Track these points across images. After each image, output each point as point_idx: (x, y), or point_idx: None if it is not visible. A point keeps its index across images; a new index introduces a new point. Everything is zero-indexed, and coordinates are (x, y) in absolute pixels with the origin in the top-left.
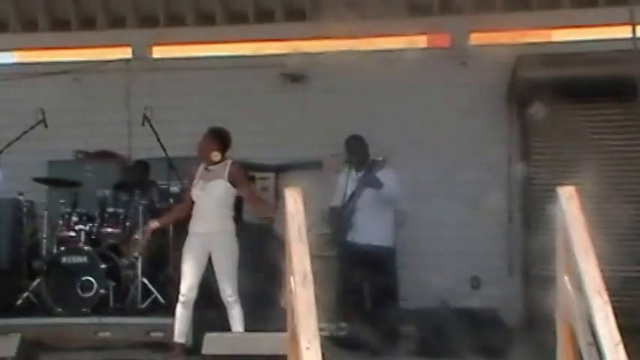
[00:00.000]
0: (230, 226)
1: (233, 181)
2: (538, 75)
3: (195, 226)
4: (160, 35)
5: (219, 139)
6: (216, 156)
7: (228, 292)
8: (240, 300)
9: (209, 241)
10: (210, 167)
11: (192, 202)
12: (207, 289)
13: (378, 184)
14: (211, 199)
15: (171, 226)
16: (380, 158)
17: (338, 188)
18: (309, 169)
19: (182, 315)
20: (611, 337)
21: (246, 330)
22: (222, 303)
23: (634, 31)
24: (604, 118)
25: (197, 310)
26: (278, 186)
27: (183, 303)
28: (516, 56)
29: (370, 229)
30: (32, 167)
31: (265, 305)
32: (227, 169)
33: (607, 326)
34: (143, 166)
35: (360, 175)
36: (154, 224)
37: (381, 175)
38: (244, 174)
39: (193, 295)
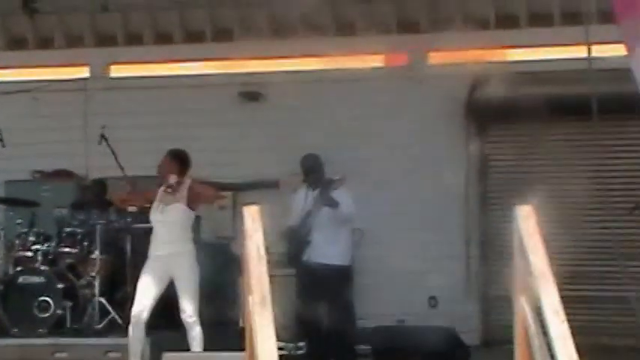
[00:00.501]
0: (190, 247)
1: (192, 199)
2: (495, 94)
3: (156, 250)
4: (117, 54)
5: (179, 160)
6: (172, 178)
7: (189, 312)
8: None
9: (170, 263)
10: (169, 189)
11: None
12: (167, 309)
13: (334, 204)
14: (171, 223)
15: (128, 247)
16: (337, 177)
17: (295, 207)
18: (267, 188)
19: (133, 335)
20: (569, 357)
21: (204, 350)
22: (182, 323)
23: (589, 51)
24: (562, 136)
25: (156, 330)
26: (236, 205)
27: (134, 324)
28: (474, 75)
29: (326, 248)
30: None
31: (224, 325)
32: (186, 191)
33: (565, 347)
34: (100, 185)
35: (316, 193)
36: None
37: (336, 194)
38: (200, 183)
39: (145, 316)
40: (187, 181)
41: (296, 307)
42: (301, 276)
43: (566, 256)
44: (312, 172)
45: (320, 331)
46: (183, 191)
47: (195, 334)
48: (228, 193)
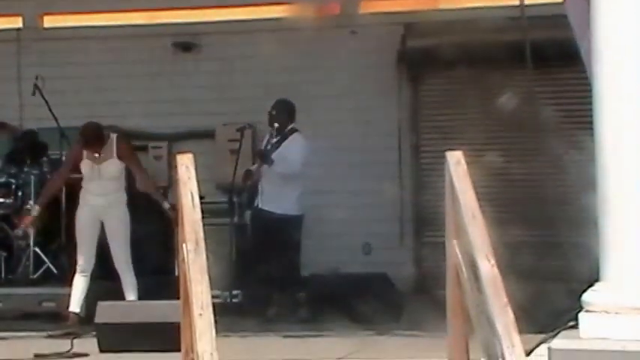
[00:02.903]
0: (122, 197)
1: (121, 156)
2: (426, 43)
3: (88, 198)
4: (50, 4)
5: (98, 139)
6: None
7: (122, 260)
8: (133, 269)
9: (101, 212)
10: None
11: (69, 172)
12: (102, 258)
13: (268, 160)
14: (104, 178)
15: (63, 196)
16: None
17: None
18: (202, 138)
19: (79, 285)
20: (499, 298)
21: (140, 299)
22: (116, 273)
23: None
24: (493, 84)
25: (90, 280)
26: (171, 155)
27: (80, 273)
28: (405, 24)
29: (274, 197)
30: None
31: (160, 275)
32: (114, 145)
33: (494, 287)
34: (32, 135)
35: (277, 138)
36: (34, 212)
37: (287, 143)
38: (131, 148)
39: (91, 265)
40: (113, 137)
41: (233, 256)
42: (252, 221)
43: (497, 202)
44: (275, 117)
45: (259, 279)
46: (111, 147)
47: (129, 281)
48: (163, 143)
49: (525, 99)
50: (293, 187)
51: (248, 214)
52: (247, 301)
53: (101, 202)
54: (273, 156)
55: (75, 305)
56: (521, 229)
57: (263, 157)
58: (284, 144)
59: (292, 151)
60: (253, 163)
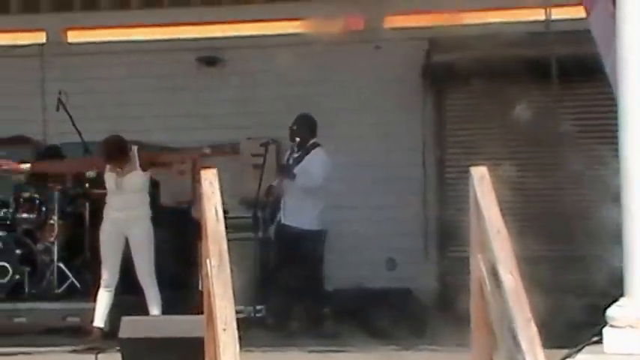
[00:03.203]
0: (146, 210)
1: (145, 166)
2: (451, 57)
3: (111, 213)
4: (74, 19)
5: (121, 152)
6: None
7: (146, 274)
8: (157, 283)
9: (125, 226)
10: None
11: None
12: (126, 272)
13: (290, 175)
14: (127, 192)
15: (87, 211)
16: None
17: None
18: (227, 153)
19: (103, 299)
20: (523, 313)
21: (163, 313)
22: (140, 287)
23: (547, 13)
24: (518, 99)
25: (114, 294)
26: (195, 169)
27: (105, 287)
28: (430, 39)
29: (296, 212)
30: None
31: (183, 288)
32: (136, 157)
33: (518, 303)
34: (55, 150)
35: (299, 153)
36: None
37: (309, 158)
38: (152, 155)
39: (115, 279)
40: (133, 151)
41: (258, 270)
42: (275, 237)
43: (519, 216)
44: (294, 131)
45: (283, 294)
46: (134, 160)
47: (153, 296)
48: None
49: (548, 113)
50: (314, 202)
51: (272, 229)
52: (271, 316)
53: (125, 216)
54: (295, 170)
55: (99, 320)
56: (544, 244)
57: (285, 171)
58: (306, 158)
59: (314, 165)
60: (276, 178)
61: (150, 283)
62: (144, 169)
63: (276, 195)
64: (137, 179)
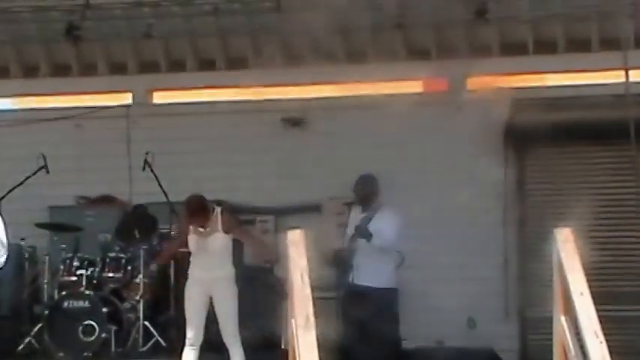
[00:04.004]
0: (230, 270)
1: (228, 230)
2: (533, 119)
3: (196, 272)
4: (159, 81)
5: (207, 208)
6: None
7: (230, 334)
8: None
9: (210, 286)
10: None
11: (180, 245)
12: (208, 331)
13: (367, 235)
14: (211, 252)
15: (171, 271)
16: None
17: (348, 228)
18: (309, 212)
19: (189, 358)
20: None
21: None
22: (223, 345)
23: (627, 76)
24: (599, 160)
25: (200, 352)
26: (278, 229)
27: (190, 346)
28: (512, 100)
29: (370, 271)
30: (34, 212)
31: (267, 348)
32: (219, 219)
33: None
34: (141, 209)
35: (364, 214)
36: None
37: (378, 217)
38: (235, 219)
39: (200, 338)
40: (217, 210)
41: (338, 330)
42: (346, 298)
43: (604, 277)
44: (359, 192)
45: (363, 354)
46: (217, 221)
47: (237, 354)
48: (270, 217)
49: (629, 174)
50: (388, 260)
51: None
52: None
53: (209, 276)
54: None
55: None
56: (630, 304)
57: (362, 232)
58: (375, 218)
59: (387, 224)
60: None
61: (234, 342)
62: (226, 232)
63: (344, 258)
64: (220, 241)
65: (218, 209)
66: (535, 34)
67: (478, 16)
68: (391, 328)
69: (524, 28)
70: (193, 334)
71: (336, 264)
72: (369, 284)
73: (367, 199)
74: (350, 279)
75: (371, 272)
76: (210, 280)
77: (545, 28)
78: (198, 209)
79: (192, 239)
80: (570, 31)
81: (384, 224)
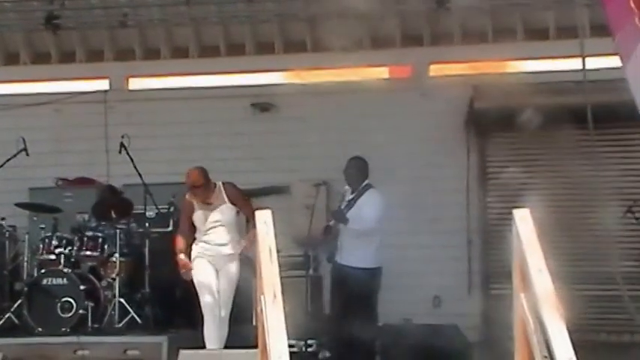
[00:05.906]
0: (236, 246)
1: (233, 200)
2: (494, 104)
3: (204, 249)
4: (135, 67)
5: (208, 178)
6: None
7: (223, 312)
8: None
9: (217, 261)
10: (207, 202)
11: (189, 228)
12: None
13: (343, 219)
14: (218, 225)
15: (147, 250)
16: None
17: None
18: (279, 194)
19: (210, 323)
20: (567, 353)
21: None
22: (198, 321)
23: (584, 63)
24: (557, 145)
25: (173, 329)
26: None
27: (208, 312)
28: (473, 87)
29: (352, 251)
30: (14, 193)
31: (238, 324)
32: (223, 191)
33: (562, 343)
34: (112, 191)
35: (352, 196)
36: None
37: (362, 200)
38: (240, 191)
39: (216, 302)
40: (219, 184)
41: (308, 307)
42: (332, 276)
43: (562, 257)
44: (347, 174)
45: (335, 330)
46: (221, 194)
47: (223, 334)
48: None
49: (587, 158)
50: (370, 240)
51: (322, 266)
52: (325, 350)
53: (216, 251)
54: (349, 214)
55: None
56: (587, 283)
57: (338, 216)
58: (359, 201)
59: (367, 208)
60: (328, 219)
61: (225, 316)
62: (233, 203)
63: (333, 234)
64: (226, 213)
65: (219, 183)
66: (495, 23)
67: (439, 5)
68: (367, 307)
69: (484, 17)
70: (207, 301)
71: (307, 244)
72: (352, 264)
73: (355, 181)
74: (336, 257)
75: (353, 253)
76: (217, 255)
77: (505, 17)
78: (198, 179)
79: (197, 216)
80: (529, 20)
81: (364, 208)
